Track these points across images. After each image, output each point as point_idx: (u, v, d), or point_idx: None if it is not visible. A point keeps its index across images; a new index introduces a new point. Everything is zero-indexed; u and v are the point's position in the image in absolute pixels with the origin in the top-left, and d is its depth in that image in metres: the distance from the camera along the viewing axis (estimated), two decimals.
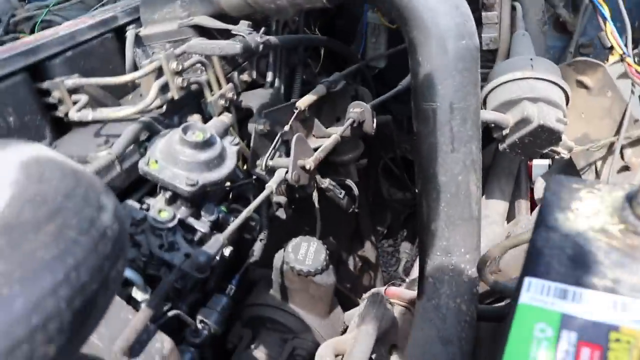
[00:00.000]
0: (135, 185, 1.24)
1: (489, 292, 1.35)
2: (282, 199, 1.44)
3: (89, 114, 1.23)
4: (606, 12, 1.48)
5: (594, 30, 1.86)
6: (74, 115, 1.24)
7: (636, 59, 1.52)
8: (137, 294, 1.09)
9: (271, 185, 1.27)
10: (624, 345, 0.49)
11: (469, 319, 1.18)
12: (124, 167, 1.15)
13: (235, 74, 1.49)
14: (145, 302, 1.08)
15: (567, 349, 0.50)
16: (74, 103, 1.25)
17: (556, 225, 0.62)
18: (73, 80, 1.25)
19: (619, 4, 1.56)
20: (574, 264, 0.57)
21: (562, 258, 0.58)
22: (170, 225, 1.08)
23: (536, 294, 0.55)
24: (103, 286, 0.51)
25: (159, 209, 1.11)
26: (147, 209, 1.13)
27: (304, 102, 1.47)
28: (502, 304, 1.30)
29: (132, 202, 1.13)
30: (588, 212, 0.63)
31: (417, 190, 1.22)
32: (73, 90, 1.25)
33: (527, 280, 0.56)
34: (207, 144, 1.12)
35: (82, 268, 0.48)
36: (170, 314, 1.12)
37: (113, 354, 0.91)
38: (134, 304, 1.08)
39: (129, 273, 1.07)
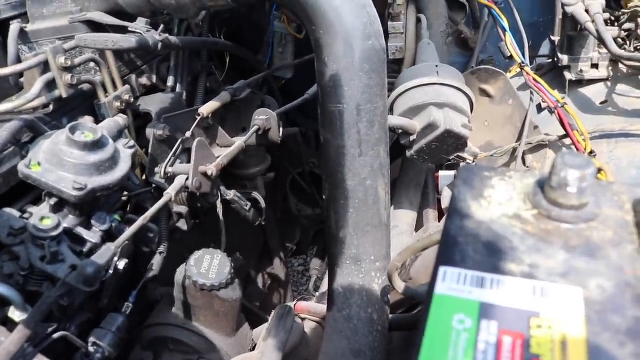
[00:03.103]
0: (17, 194, 1.12)
1: (399, 303, 1.32)
2: (183, 209, 1.36)
3: None
4: (505, 23, 1.53)
5: (493, 47, 1.92)
6: None
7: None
8: (15, 314, 0.97)
9: (170, 192, 1.18)
10: (546, 331, 0.46)
11: (381, 328, 1.16)
12: (1, 171, 1.03)
13: (134, 76, 1.40)
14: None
15: (488, 339, 0.46)
16: None
17: (470, 213, 0.59)
18: None
19: (516, 21, 1.63)
20: (490, 251, 0.54)
21: (477, 246, 0.55)
22: (54, 233, 0.97)
23: (452, 283, 0.51)
24: None
25: (41, 216, 0.99)
26: (29, 218, 1.01)
27: (207, 109, 1.40)
28: (414, 312, 1.27)
29: (10, 210, 1.01)
30: (501, 199, 0.61)
31: (324, 197, 1.18)
32: None
33: (442, 269, 0.53)
34: (97, 145, 1.02)
35: None
36: (55, 335, 1.01)
37: None
38: (12, 326, 0.96)
39: (4, 290, 0.95)
